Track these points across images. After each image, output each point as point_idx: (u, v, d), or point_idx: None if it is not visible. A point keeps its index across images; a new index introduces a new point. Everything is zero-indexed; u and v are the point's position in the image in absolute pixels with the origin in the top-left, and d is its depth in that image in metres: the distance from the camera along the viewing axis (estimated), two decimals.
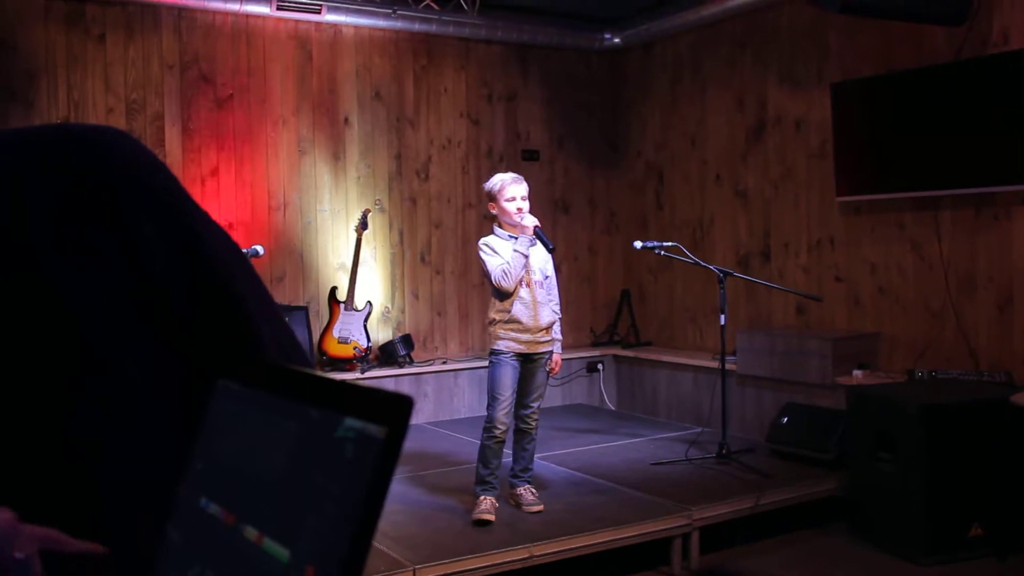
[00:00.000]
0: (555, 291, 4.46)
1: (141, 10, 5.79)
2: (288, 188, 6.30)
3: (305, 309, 6.20)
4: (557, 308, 4.45)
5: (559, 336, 4.46)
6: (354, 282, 6.30)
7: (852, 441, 4.67)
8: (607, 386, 7.19)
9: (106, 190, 0.74)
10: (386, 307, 6.68)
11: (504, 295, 4.27)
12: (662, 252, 5.31)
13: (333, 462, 0.48)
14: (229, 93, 6.09)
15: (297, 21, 6.28)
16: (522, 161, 7.12)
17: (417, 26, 6.55)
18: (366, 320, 6.28)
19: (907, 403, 4.30)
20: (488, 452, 4.26)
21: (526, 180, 4.38)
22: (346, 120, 6.52)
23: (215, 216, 0.80)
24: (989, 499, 4.25)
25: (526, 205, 4.29)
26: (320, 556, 0.47)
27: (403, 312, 6.75)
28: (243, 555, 0.52)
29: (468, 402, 6.63)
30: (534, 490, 4.42)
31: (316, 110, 6.41)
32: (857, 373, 5.26)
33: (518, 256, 4.20)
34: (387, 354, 6.47)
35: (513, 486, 4.42)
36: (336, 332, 6.21)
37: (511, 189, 4.27)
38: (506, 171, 4.53)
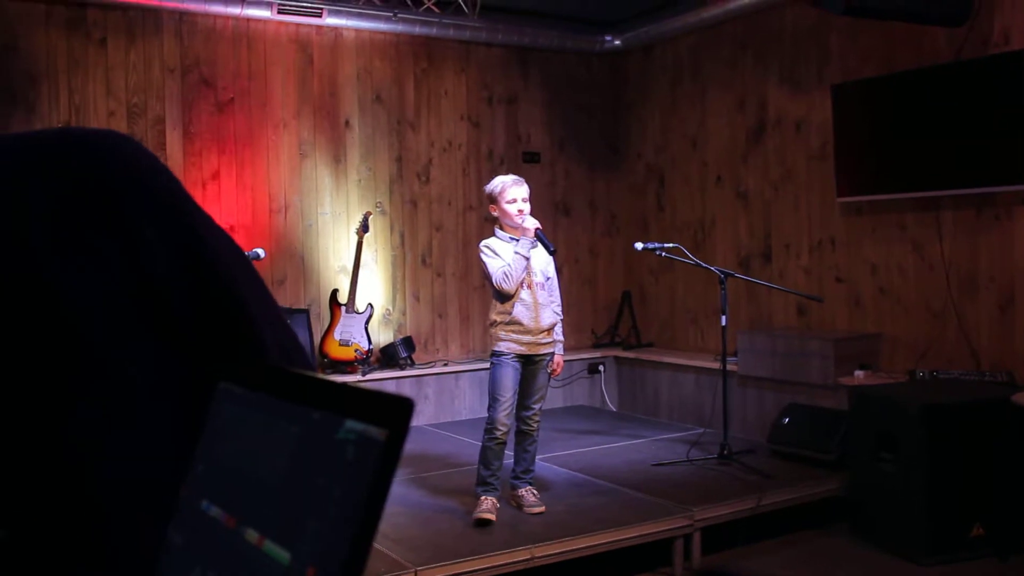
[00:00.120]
0: (556, 293, 4.46)
1: (142, 14, 5.80)
2: (289, 191, 6.31)
3: (306, 312, 6.20)
4: (559, 310, 4.45)
5: (561, 338, 4.46)
6: (355, 284, 6.31)
7: (854, 441, 4.67)
8: (608, 387, 7.19)
9: (107, 193, 0.74)
10: (387, 309, 6.68)
11: (505, 297, 4.27)
12: (663, 253, 5.32)
13: (334, 464, 0.49)
14: (230, 97, 6.10)
15: (298, 24, 6.28)
16: (523, 163, 7.12)
17: (418, 29, 6.56)
18: (367, 322, 6.28)
19: (909, 403, 4.31)
20: (489, 453, 4.26)
21: (527, 182, 4.38)
22: (347, 123, 6.53)
23: (216, 220, 0.80)
24: (990, 499, 4.25)
25: (527, 207, 4.29)
26: (321, 558, 0.47)
27: (404, 314, 6.76)
28: (244, 557, 0.52)
29: (469, 404, 6.63)
30: (535, 491, 4.42)
31: (317, 113, 6.41)
32: (858, 373, 5.26)
33: (519, 258, 4.20)
34: (388, 356, 6.47)
35: (514, 487, 4.42)
36: (337, 334, 6.22)
37: (512, 191, 4.27)
38: (507, 173, 4.54)
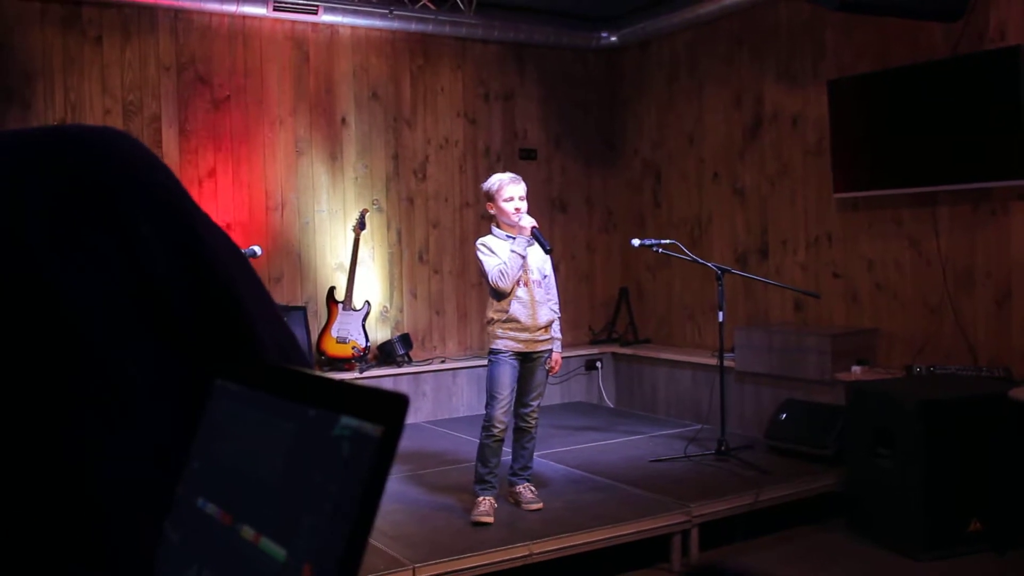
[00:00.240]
0: (554, 290, 4.46)
1: (137, 12, 5.79)
2: (286, 188, 6.31)
3: (303, 309, 6.20)
4: (556, 307, 4.45)
5: (558, 335, 4.46)
6: (352, 282, 6.30)
7: (851, 437, 4.68)
8: (606, 384, 7.19)
9: (103, 190, 0.74)
10: (384, 307, 6.68)
11: (501, 295, 4.27)
12: (660, 250, 5.32)
13: (330, 461, 0.49)
14: (226, 94, 6.09)
15: (294, 22, 6.28)
16: (519, 160, 7.12)
17: (414, 26, 6.55)
18: (364, 320, 6.28)
19: (906, 399, 4.31)
20: (487, 451, 4.27)
21: (523, 179, 4.38)
22: (343, 120, 6.52)
23: (213, 217, 0.80)
24: (988, 494, 4.26)
25: (524, 205, 4.29)
26: (317, 554, 0.47)
27: (401, 311, 6.75)
28: (240, 554, 0.52)
29: (467, 401, 6.64)
30: (533, 488, 4.42)
31: (313, 110, 6.41)
32: (856, 369, 5.26)
33: (515, 257, 4.20)
34: (386, 353, 6.47)
35: (512, 484, 4.43)
36: (335, 332, 6.22)
37: (509, 189, 4.27)
38: (503, 170, 4.54)
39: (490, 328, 4.34)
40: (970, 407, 4.29)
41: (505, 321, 4.28)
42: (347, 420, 0.49)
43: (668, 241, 5.38)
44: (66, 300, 0.69)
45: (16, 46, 5.46)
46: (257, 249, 5.74)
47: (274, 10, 6.01)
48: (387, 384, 6.17)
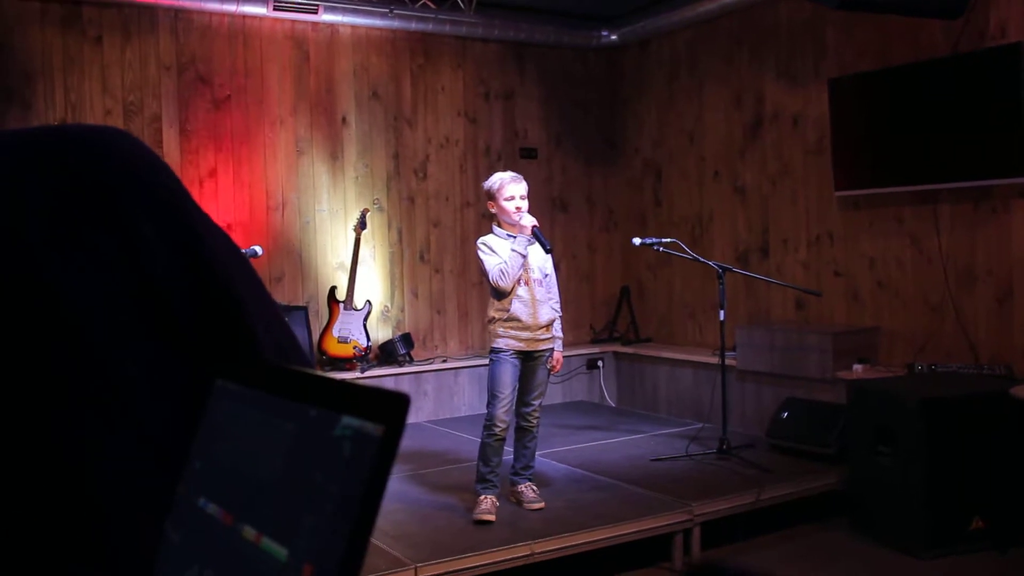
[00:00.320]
0: (555, 289, 4.46)
1: (137, 12, 5.79)
2: (286, 188, 6.31)
3: (304, 309, 6.20)
4: (557, 306, 4.45)
5: (560, 334, 4.46)
6: (353, 281, 6.30)
7: (852, 435, 4.67)
8: (607, 383, 7.19)
9: (104, 190, 0.74)
10: (385, 306, 6.68)
11: (502, 294, 4.27)
12: (661, 249, 5.32)
13: (331, 461, 0.49)
14: (226, 94, 6.09)
15: (294, 21, 6.27)
16: (520, 159, 7.12)
17: (414, 25, 6.55)
18: (366, 319, 6.28)
19: (907, 397, 4.31)
20: (488, 450, 4.27)
21: (524, 178, 4.38)
22: (344, 120, 6.52)
23: (214, 217, 0.80)
24: (989, 492, 4.25)
25: (525, 204, 4.29)
26: (318, 554, 0.47)
27: (402, 311, 6.75)
28: (241, 554, 0.52)
29: (468, 400, 6.64)
30: (535, 487, 4.42)
31: (314, 110, 6.41)
32: (857, 367, 5.26)
33: (516, 256, 4.20)
34: (387, 353, 6.47)
35: (514, 484, 4.43)
36: (336, 332, 6.22)
37: (510, 188, 4.27)
38: (504, 170, 4.54)
39: (491, 327, 4.34)
40: (971, 405, 4.29)
41: (506, 320, 4.28)
42: (348, 420, 0.48)
43: (669, 240, 5.38)
44: (66, 300, 0.69)
45: (16, 46, 5.46)
46: (258, 249, 5.74)
47: (274, 9, 6.01)
48: (388, 384, 6.17)
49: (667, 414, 6.62)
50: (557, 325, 4.43)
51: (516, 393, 4.33)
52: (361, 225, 6.34)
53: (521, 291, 4.28)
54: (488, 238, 4.33)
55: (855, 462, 4.64)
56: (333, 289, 6.34)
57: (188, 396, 0.69)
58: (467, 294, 7.00)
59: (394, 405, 0.47)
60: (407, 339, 6.55)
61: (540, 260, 4.37)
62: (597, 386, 7.21)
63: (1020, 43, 4.70)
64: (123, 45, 5.77)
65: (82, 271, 0.70)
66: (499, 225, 4.35)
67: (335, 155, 6.49)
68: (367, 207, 6.47)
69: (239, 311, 0.76)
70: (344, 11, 6.29)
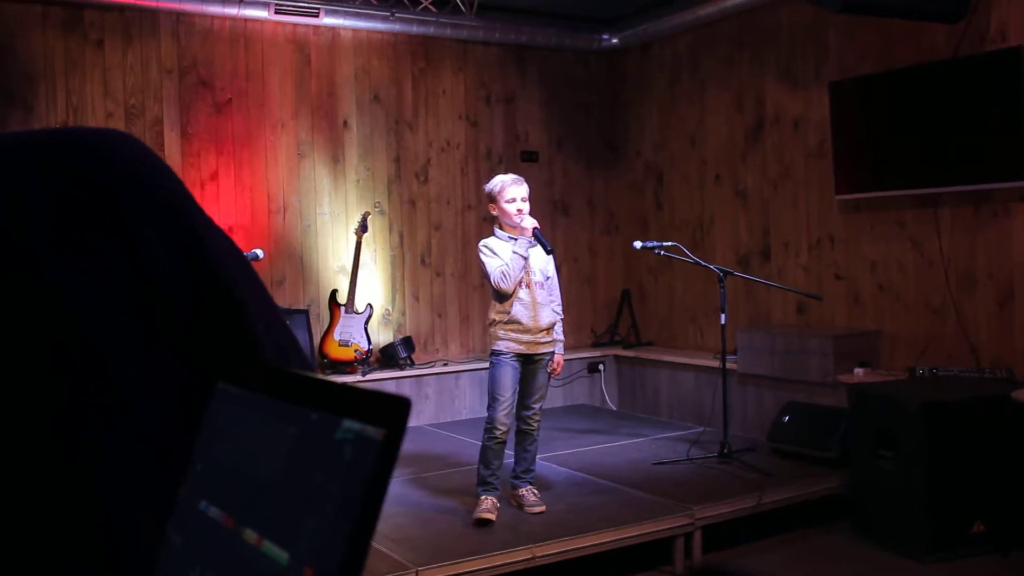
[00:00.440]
0: (557, 292, 4.46)
1: (139, 15, 5.80)
2: (288, 191, 6.31)
3: (306, 312, 6.20)
4: (559, 309, 4.45)
5: (561, 337, 4.46)
6: (354, 285, 6.31)
7: (854, 439, 4.67)
8: (608, 386, 7.19)
9: (106, 192, 0.74)
10: (387, 309, 6.68)
11: (504, 296, 4.27)
12: (662, 252, 5.32)
13: (332, 464, 0.49)
14: (228, 97, 6.10)
15: (295, 25, 6.28)
16: (521, 162, 7.12)
17: (415, 28, 6.56)
18: (367, 323, 6.28)
19: (908, 401, 4.31)
20: (489, 453, 4.26)
21: (526, 181, 4.38)
22: (345, 123, 6.53)
23: (215, 220, 0.80)
24: (991, 496, 4.25)
25: (526, 206, 4.29)
26: (319, 558, 0.47)
27: (404, 314, 6.76)
28: (242, 557, 0.52)
29: (469, 403, 6.64)
30: (536, 491, 4.42)
31: (315, 113, 6.41)
32: (858, 371, 5.26)
33: (517, 258, 4.20)
34: (388, 356, 6.47)
35: (515, 487, 4.42)
36: (337, 335, 6.22)
37: (511, 190, 4.27)
38: (505, 173, 4.53)
39: (492, 330, 4.34)
40: (973, 409, 4.28)
41: (507, 323, 4.28)
42: (349, 423, 0.48)
43: (670, 243, 5.38)
44: (68, 301, 0.69)
45: (18, 49, 5.46)
46: (259, 252, 5.75)
47: (275, 13, 6.02)
48: (389, 387, 6.17)
49: (668, 418, 6.62)
50: (558, 328, 4.43)
51: (517, 396, 4.33)
52: (362, 228, 6.35)
53: (522, 293, 4.28)
54: (489, 240, 4.33)
55: (856, 466, 4.63)
56: (334, 292, 6.34)
57: (189, 398, 0.69)
58: (468, 297, 7.00)
59: (395, 409, 0.47)
60: (408, 342, 6.56)
61: (542, 263, 4.37)
62: (598, 389, 7.21)
63: (1021, 47, 4.70)
64: (125, 48, 5.78)
65: (83, 273, 0.70)
66: (500, 227, 4.35)
67: (336, 158, 6.50)
68: (368, 210, 6.47)
69: (240, 313, 0.76)
70: (345, 15, 6.30)
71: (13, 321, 0.68)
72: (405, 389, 6.33)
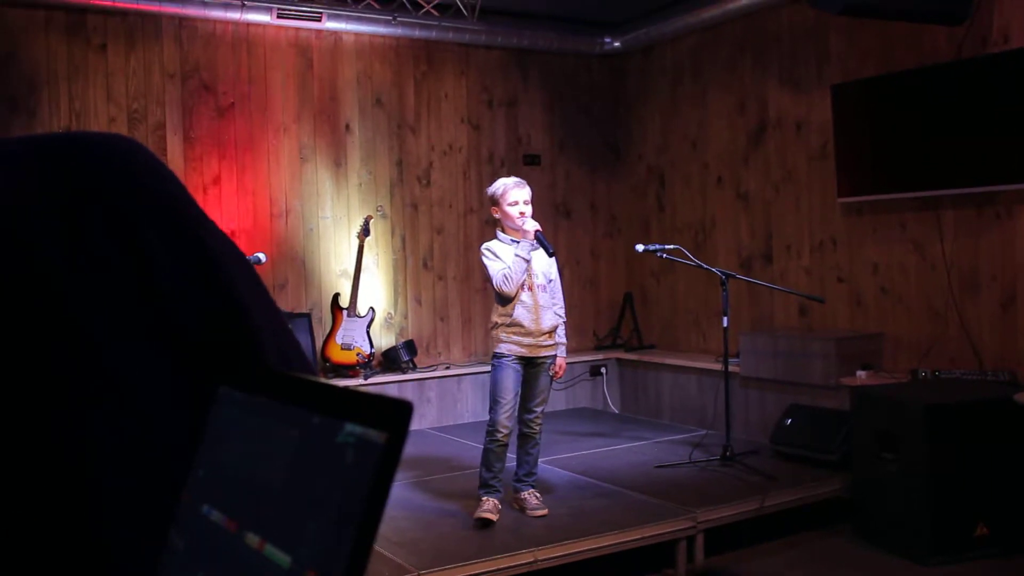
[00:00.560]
0: (559, 295, 4.46)
1: (142, 20, 5.81)
2: (290, 195, 6.32)
3: (308, 316, 6.20)
4: (561, 312, 4.45)
5: (563, 340, 4.46)
6: (356, 288, 6.31)
7: (856, 442, 4.66)
8: (610, 389, 7.19)
9: (108, 195, 0.74)
10: (389, 313, 6.68)
11: (506, 299, 4.27)
12: (664, 255, 5.32)
13: (334, 468, 0.49)
14: (230, 101, 6.11)
15: (297, 29, 6.29)
16: (523, 166, 7.12)
17: (417, 32, 6.57)
18: (369, 326, 6.29)
19: (911, 403, 4.30)
20: (491, 455, 4.26)
21: (528, 184, 4.38)
22: (347, 127, 6.53)
23: (218, 224, 0.81)
24: (994, 498, 4.24)
25: (528, 209, 4.29)
26: (321, 561, 0.47)
27: (406, 318, 6.76)
28: (245, 562, 0.52)
29: (471, 407, 6.63)
30: (538, 494, 4.41)
31: (317, 117, 6.42)
32: (861, 374, 5.25)
33: (519, 261, 4.20)
34: (390, 360, 6.47)
35: (517, 490, 4.42)
36: (339, 339, 6.22)
37: (513, 193, 4.27)
38: (508, 176, 4.54)
39: (494, 332, 4.34)
40: (975, 411, 4.28)
41: (509, 325, 4.28)
42: (351, 427, 0.49)
43: (672, 246, 5.38)
44: (69, 302, 0.69)
45: (21, 54, 5.47)
46: (261, 256, 5.75)
47: (278, 17, 6.02)
48: (392, 391, 6.17)
49: (670, 421, 6.62)
50: (561, 331, 4.43)
51: (519, 399, 4.32)
52: (364, 232, 6.35)
53: (524, 296, 4.28)
54: (492, 244, 4.33)
55: (859, 468, 4.63)
56: (336, 296, 6.34)
57: (192, 401, 0.69)
58: (470, 301, 7.00)
59: (397, 412, 0.47)
60: (410, 346, 6.56)
61: (544, 266, 4.37)
62: (600, 392, 7.20)
63: (1023, 49, 4.70)
64: (127, 53, 5.79)
65: (86, 275, 0.70)
66: (503, 231, 4.35)
67: (338, 162, 6.50)
68: (370, 214, 6.47)
69: (243, 317, 0.76)
70: (348, 19, 6.30)
71: (15, 320, 0.68)
72: (407, 393, 6.33)
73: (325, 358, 6.20)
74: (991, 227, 5.00)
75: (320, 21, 6.19)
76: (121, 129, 5.71)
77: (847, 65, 5.69)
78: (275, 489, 0.53)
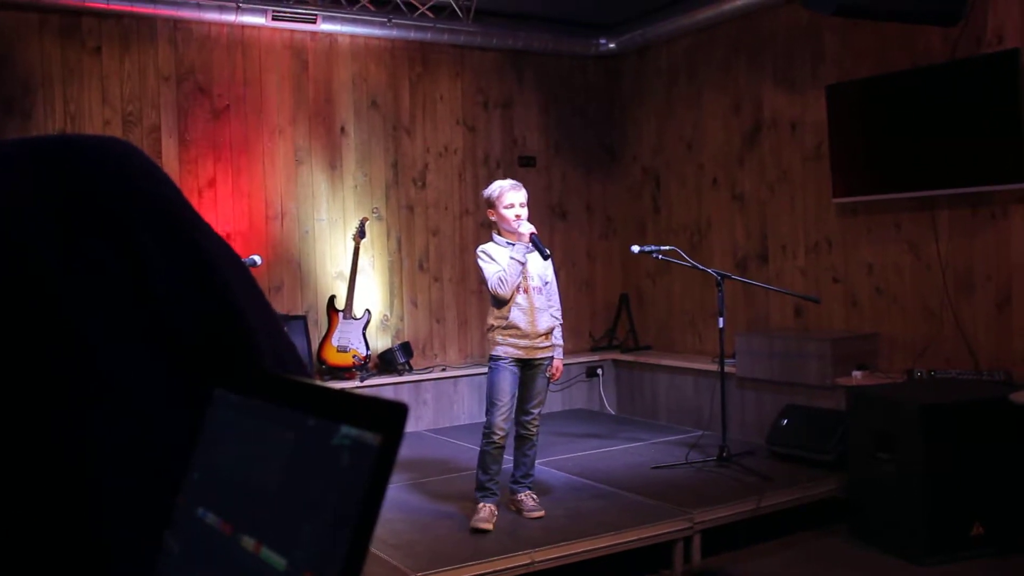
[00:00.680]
0: (555, 297, 4.46)
1: (137, 22, 5.80)
2: (285, 197, 6.31)
3: (304, 318, 6.20)
4: (558, 314, 4.45)
5: (560, 342, 4.46)
6: (352, 290, 6.31)
7: (852, 442, 4.67)
8: (607, 391, 7.19)
9: (102, 197, 0.74)
10: (385, 315, 6.68)
11: (501, 302, 4.27)
12: (660, 256, 5.32)
13: (329, 470, 0.49)
14: (225, 104, 6.10)
15: (292, 31, 6.29)
16: (519, 168, 7.12)
17: (412, 34, 6.57)
18: (365, 328, 6.28)
19: (907, 403, 4.31)
20: (487, 458, 4.26)
21: (524, 187, 4.38)
22: (342, 129, 6.53)
23: (213, 226, 0.81)
24: (989, 498, 4.25)
25: (524, 212, 4.29)
26: (317, 564, 0.47)
27: (402, 320, 6.75)
28: (241, 564, 0.52)
29: (468, 409, 6.63)
30: (535, 496, 4.41)
31: (312, 119, 6.42)
32: (856, 374, 5.26)
33: (514, 263, 4.21)
34: (386, 362, 6.47)
35: (514, 492, 4.42)
36: (335, 341, 6.22)
37: (509, 196, 4.27)
38: (503, 178, 4.54)
39: (490, 335, 4.34)
40: (971, 411, 4.28)
41: (505, 328, 4.28)
42: (346, 429, 0.49)
43: (668, 247, 5.39)
44: (65, 306, 0.69)
45: (15, 57, 5.47)
46: (257, 258, 5.75)
47: (273, 19, 6.02)
48: (388, 393, 6.17)
49: (667, 422, 6.62)
50: (557, 333, 4.43)
51: (515, 401, 4.32)
52: (360, 234, 6.35)
53: (520, 299, 4.28)
54: (488, 246, 4.33)
55: (855, 469, 4.63)
56: (332, 298, 6.34)
57: (187, 404, 0.69)
58: (466, 302, 7.00)
59: (392, 414, 0.47)
60: (406, 348, 6.55)
61: (540, 268, 4.37)
62: (597, 394, 7.21)
63: (1017, 49, 4.71)
64: (122, 56, 5.79)
65: (81, 277, 0.71)
66: (499, 233, 4.35)
67: (334, 164, 6.50)
68: (366, 216, 6.47)
69: (238, 320, 0.76)
70: (342, 21, 6.30)
71: (10, 322, 0.68)
72: (403, 395, 6.33)
73: (321, 360, 6.20)
74: (986, 227, 5.02)
75: (315, 23, 6.19)
76: (116, 132, 5.70)
77: (842, 66, 5.70)
78: (271, 492, 0.53)
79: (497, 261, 4.24)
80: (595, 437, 6.08)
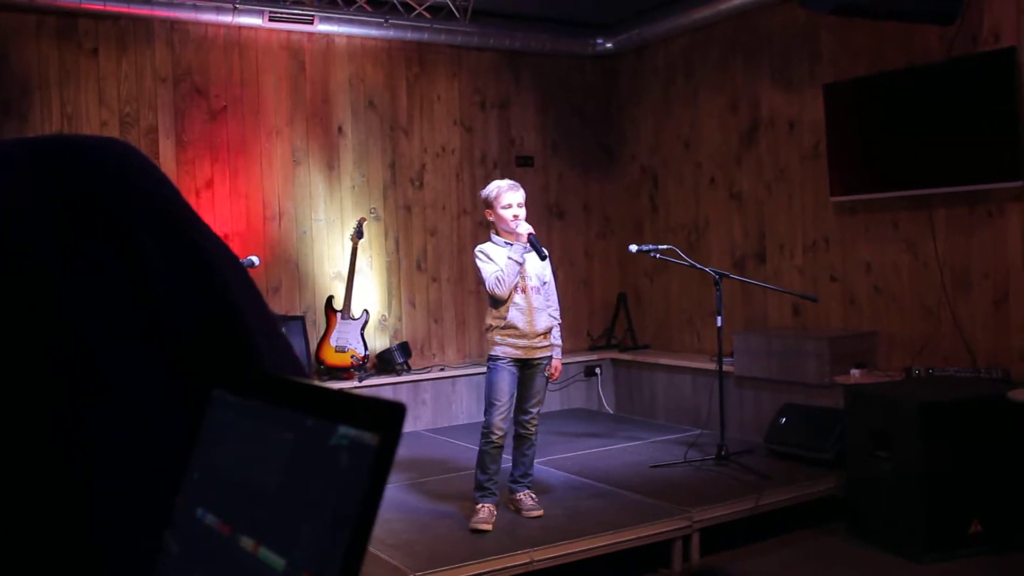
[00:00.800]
0: (554, 297, 4.46)
1: (133, 23, 5.80)
2: (283, 198, 6.31)
3: (302, 319, 6.20)
4: (556, 313, 4.45)
5: (558, 341, 4.46)
6: (350, 291, 6.30)
7: (850, 440, 4.67)
8: (605, 390, 7.19)
9: (100, 198, 0.74)
10: (383, 315, 6.68)
11: (499, 302, 4.27)
12: (658, 255, 5.32)
13: (328, 470, 0.49)
14: (222, 105, 6.10)
15: (289, 32, 6.28)
16: (516, 167, 7.13)
17: (409, 35, 6.57)
18: (363, 328, 6.28)
19: (905, 401, 4.31)
20: (486, 458, 4.26)
21: (521, 187, 4.38)
22: (340, 129, 6.53)
23: (211, 228, 0.81)
24: (987, 496, 4.25)
25: (522, 212, 4.29)
26: (316, 564, 0.47)
27: (400, 320, 6.75)
28: (240, 565, 0.53)
29: (466, 408, 6.63)
30: (534, 495, 4.42)
31: (310, 120, 6.41)
32: (854, 372, 5.27)
33: (512, 264, 4.20)
34: (385, 362, 6.47)
35: (513, 491, 4.42)
36: (333, 341, 6.21)
37: (507, 196, 4.27)
38: (500, 178, 4.54)
39: (488, 335, 4.34)
40: (969, 409, 4.29)
41: (503, 328, 4.28)
42: (345, 429, 0.49)
43: (666, 247, 5.39)
44: (64, 306, 0.69)
45: (12, 58, 5.46)
46: (255, 259, 5.75)
47: (270, 20, 6.02)
48: (386, 393, 6.17)
49: (665, 421, 6.62)
50: (556, 332, 4.43)
51: (514, 401, 4.33)
52: (358, 234, 6.35)
53: (518, 299, 4.28)
54: (486, 246, 4.33)
55: (853, 467, 4.64)
56: (330, 299, 6.34)
57: (186, 405, 0.69)
58: (464, 302, 7.00)
59: (390, 414, 0.47)
60: (405, 348, 6.55)
61: (538, 268, 4.37)
62: (595, 393, 7.21)
63: (1014, 48, 4.72)
64: (119, 57, 5.78)
65: (79, 278, 0.71)
66: (497, 233, 4.35)
67: (331, 165, 6.50)
68: (364, 216, 6.47)
69: (236, 320, 0.76)
70: (339, 21, 6.30)
71: (11, 329, 0.68)
72: (402, 395, 6.33)
73: (319, 360, 6.20)
74: (983, 225, 5.02)
75: (312, 24, 6.18)
76: (113, 133, 5.70)
77: (839, 64, 5.70)
78: (269, 492, 0.53)
79: (495, 261, 4.24)
80: (594, 436, 6.08)
